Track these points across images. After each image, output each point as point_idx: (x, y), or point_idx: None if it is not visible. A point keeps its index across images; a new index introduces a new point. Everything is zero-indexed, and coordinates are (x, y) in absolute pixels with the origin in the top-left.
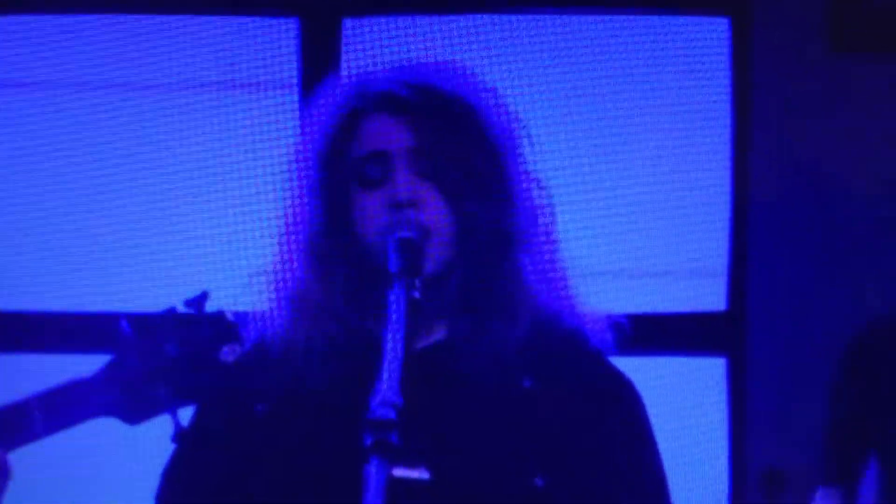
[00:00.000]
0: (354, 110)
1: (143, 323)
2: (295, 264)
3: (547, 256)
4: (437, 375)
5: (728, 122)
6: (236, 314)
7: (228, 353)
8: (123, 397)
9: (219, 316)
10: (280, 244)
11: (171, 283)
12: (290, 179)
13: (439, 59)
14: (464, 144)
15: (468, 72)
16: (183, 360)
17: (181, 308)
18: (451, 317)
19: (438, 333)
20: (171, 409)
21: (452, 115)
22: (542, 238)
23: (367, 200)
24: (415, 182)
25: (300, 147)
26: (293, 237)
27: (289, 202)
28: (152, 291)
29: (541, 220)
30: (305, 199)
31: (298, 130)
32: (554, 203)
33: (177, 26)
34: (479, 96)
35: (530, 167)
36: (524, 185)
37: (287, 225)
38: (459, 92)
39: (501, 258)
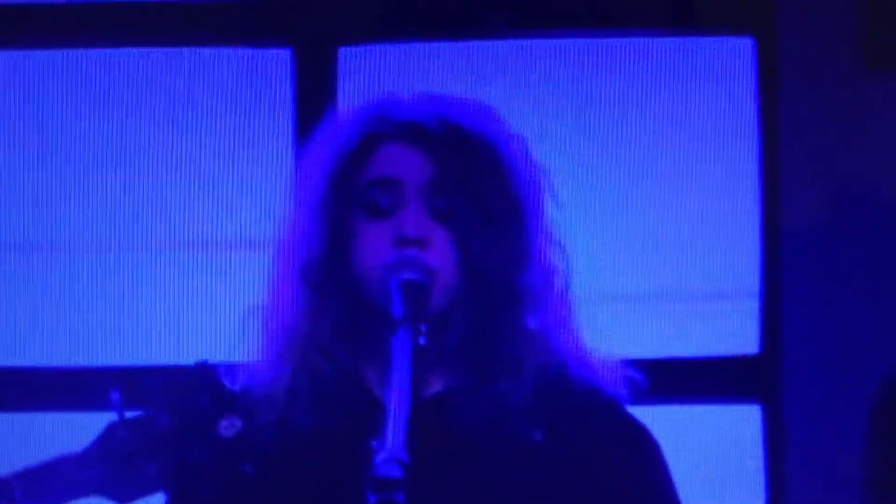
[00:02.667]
0: (372, 134)
1: (135, 391)
2: (287, 292)
3: (559, 318)
4: (440, 429)
5: (755, 146)
6: (233, 372)
7: (227, 428)
8: (111, 474)
9: (217, 383)
10: (273, 270)
11: (166, 334)
12: (291, 202)
13: (456, 90)
14: (481, 186)
15: (496, 114)
16: (176, 434)
17: (176, 372)
18: (449, 367)
19: (438, 384)
20: (164, 488)
21: (474, 153)
22: (555, 300)
23: (372, 231)
24: (425, 218)
25: (305, 168)
26: (287, 263)
27: (287, 225)
28: (145, 344)
29: (555, 282)
30: (305, 223)
31: (298, 156)
32: (570, 266)
33: (169, 59)
34: (507, 141)
35: (550, 225)
36: (541, 241)
37: (282, 249)
38: (486, 133)
39: (507, 314)
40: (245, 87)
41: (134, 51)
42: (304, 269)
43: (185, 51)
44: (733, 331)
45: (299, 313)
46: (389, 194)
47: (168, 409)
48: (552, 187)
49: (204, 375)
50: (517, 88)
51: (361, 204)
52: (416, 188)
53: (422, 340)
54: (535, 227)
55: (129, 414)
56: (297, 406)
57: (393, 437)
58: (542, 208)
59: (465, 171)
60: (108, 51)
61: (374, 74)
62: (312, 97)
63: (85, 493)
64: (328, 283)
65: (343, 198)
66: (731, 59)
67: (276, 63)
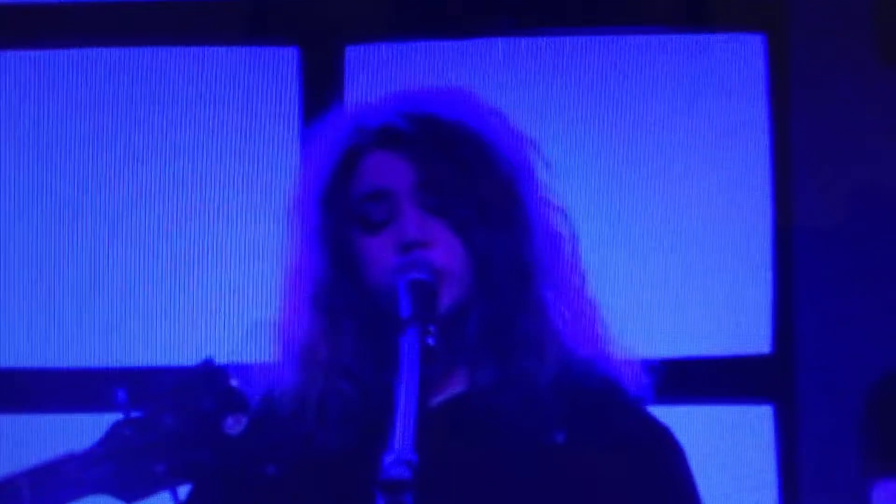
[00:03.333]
0: (352, 148)
1: (141, 390)
2: (301, 318)
3: (572, 287)
4: (457, 432)
5: (767, 143)
6: (241, 372)
7: (233, 425)
8: (118, 474)
9: (223, 382)
10: (285, 296)
11: (171, 335)
12: (292, 225)
13: (449, 84)
14: (470, 173)
15: (471, 95)
16: (183, 433)
17: (181, 372)
18: (470, 364)
19: (457, 385)
20: (171, 486)
21: (455, 143)
22: (566, 268)
23: (373, 245)
24: (423, 219)
25: (300, 190)
26: (297, 289)
27: (292, 250)
28: (151, 345)
29: (563, 248)
30: (307, 247)
31: (299, 171)
32: (576, 229)
33: (175, 58)
34: (485, 120)
35: (547, 192)
36: (541, 210)
37: (291, 275)
38: (462, 118)
39: (522, 291)
40: (251, 86)
41: (139, 50)
42: (315, 296)
43: (191, 50)
44: (745, 330)
45: (316, 338)
46: (383, 205)
47: (173, 409)
48: (541, 152)
49: (208, 374)
50: (524, 86)
51: (357, 220)
52: (407, 193)
53: (430, 341)
54: (530, 197)
55: (134, 413)
56: (327, 426)
57: (401, 438)
58: (535, 176)
59: (449, 163)
60: (114, 50)
61: (381, 73)
62: (319, 96)
63: (92, 491)
64: (340, 305)
65: (338, 218)
66: (743, 56)
67: (283, 62)
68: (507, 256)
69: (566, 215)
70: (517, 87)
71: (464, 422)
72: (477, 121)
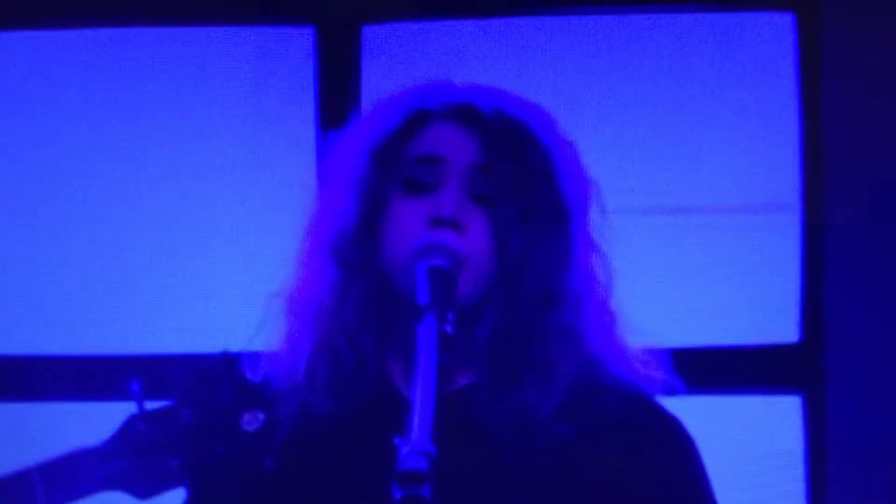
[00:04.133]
0: (421, 112)
1: (156, 381)
2: (315, 268)
3: (598, 325)
4: (466, 422)
5: (797, 128)
6: (255, 361)
7: (250, 422)
8: (132, 469)
9: (240, 376)
10: (303, 245)
11: (186, 321)
12: (325, 178)
13: (483, 68)
14: (530, 183)
15: (553, 118)
16: (200, 428)
17: (199, 363)
18: (477, 362)
19: (467, 376)
20: (185, 483)
21: (527, 149)
22: (595, 307)
23: (408, 209)
24: (464, 201)
25: (347, 143)
26: (318, 238)
27: (319, 202)
28: (166, 331)
29: (596, 290)
30: (341, 198)
31: (330, 134)
32: (614, 274)
33: (190, 38)
34: (560, 145)
35: (595, 233)
36: (584, 249)
37: (313, 225)
38: (540, 131)
39: (541, 316)
40: (267, 67)
41: (154, 30)
42: (336, 244)
43: (206, 30)
44: (773, 318)
45: (326, 290)
46: (431, 172)
47: (190, 402)
48: (600, 198)
49: (226, 367)
50: (546, 66)
51: (402, 180)
52: (460, 169)
53: (448, 328)
54: (578, 233)
55: (149, 405)
56: (316, 389)
57: (419, 429)
58: (588, 216)
59: (513, 162)
60: (129, 30)
61: (398, 53)
62: (335, 77)
63: (105, 486)
64: (357, 261)
65: (383, 173)
66: (772, 36)
67: (299, 42)
68: (536, 276)
69: (608, 261)
70: (539, 66)
71: (471, 412)
72: (552, 140)
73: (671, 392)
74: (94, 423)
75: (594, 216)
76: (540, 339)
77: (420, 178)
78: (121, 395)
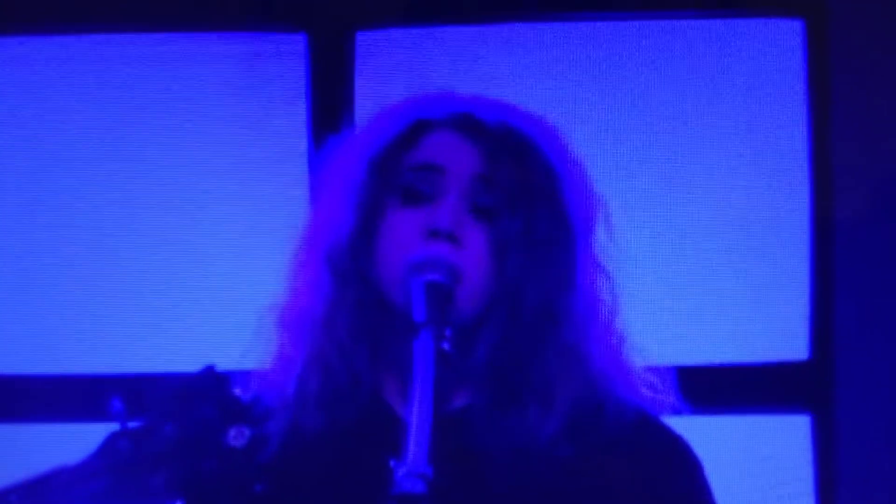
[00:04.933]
0: (422, 121)
1: (139, 399)
2: (308, 277)
3: (604, 347)
4: (465, 444)
5: (806, 136)
6: (243, 380)
7: (236, 437)
8: (115, 487)
9: (226, 391)
10: (297, 254)
11: (170, 340)
12: (321, 186)
13: (479, 75)
14: (533, 198)
15: (560, 134)
16: (184, 443)
17: (182, 379)
18: (475, 382)
19: (464, 397)
20: (171, 500)
21: (531, 163)
22: (599, 330)
23: (404, 219)
24: (462, 214)
25: (347, 150)
26: (312, 247)
27: (315, 210)
28: (148, 351)
29: (599, 313)
30: (337, 206)
31: (324, 143)
32: (620, 295)
33: (181, 44)
34: (566, 162)
35: (600, 254)
36: (589, 271)
37: (308, 232)
38: (546, 147)
39: (543, 337)
40: (258, 74)
41: (144, 36)
42: (330, 255)
43: (196, 35)
44: (781, 334)
45: (319, 301)
46: (430, 181)
47: (173, 418)
48: (608, 218)
49: (211, 382)
50: (544, 73)
51: (399, 189)
52: (460, 179)
53: (445, 346)
54: (583, 254)
55: (131, 423)
56: (307, 405)
57: (415, 450)
58: (594, 236)
59: (516, 174)
60: (119, 35)
61: (392, 60)
62: (328, 84)
63: None
64: (351, 272)
65: (381, 182)
66: (781, 42)
67: (291, 49)
68: (538, 297)
69: (613, 283)
70: (535, 74)
71: (467, 432)
72: (558, 157)
73: (677, 413)
74: (74, 444)
75: (600, 235)
76: (540, 360)
77: (418, 187)
78: (102, 416)
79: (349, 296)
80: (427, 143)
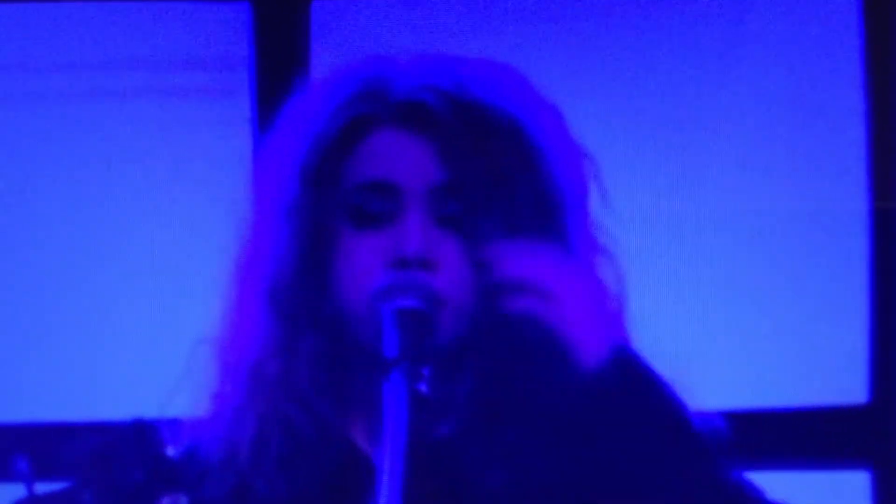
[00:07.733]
0: (359, 117)
1: (49, 456)
2: (250, 321)
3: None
4: (449, 476)
5: (863, 122)
6: (174, 430)
7: None
8: None
9: (157, 449)
10: (232, 291)
11: (87, 383)
12: (253, 203)
13: (452, 48)
14: (508, 186)
15: (522, 76)
16: None
17: (104, 433)
18: (460, 411)
19: (446, 425)
20: None
21: (498, 143)
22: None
23: (360, 246)
24: (431, 231)
25: (270, 158)
26: (250, 284)
27: (249, 234)
28: (63, 394)
29: (606, 305)
30: (273, 232)
31: (260, 140)
32: (627, 280)
33: (113, 14)
34: (538, 118)
35: (596, 231)
36: (585, 254)
37: (243, 264)
38: (511, 109)
39: None
40: (198, 47)
41: (75, 4)
42: (273, 291)
43: (131, 5)
44: (835, 373)
45: (267, 349)
46: (383, 200)
47: (92, 484)
48: (598, 177)
49: (140, 438)
50: (529, 42)
51: (346, 208)
52: (419, 195)
53: (422, 387)
54: (576, 234)
55: (40, 488)
56: (263, 469)
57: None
58: (586, 208)
59: (484, 167)
60: (53, 4)
61: (352, 32)
62: (275, 62)
63: None
64: (303, 313)
65: (321, 200)
66: (836, 14)
67: (232, 20)
68: None
69: (616, 264)
70: (519, 43)
71: (445, 468)
72: (527, 115)
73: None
74: None
75: (594, 204)
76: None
77: (370, 208)
78: (3, 476)
79: (304, 345)
80: (369, 150)
